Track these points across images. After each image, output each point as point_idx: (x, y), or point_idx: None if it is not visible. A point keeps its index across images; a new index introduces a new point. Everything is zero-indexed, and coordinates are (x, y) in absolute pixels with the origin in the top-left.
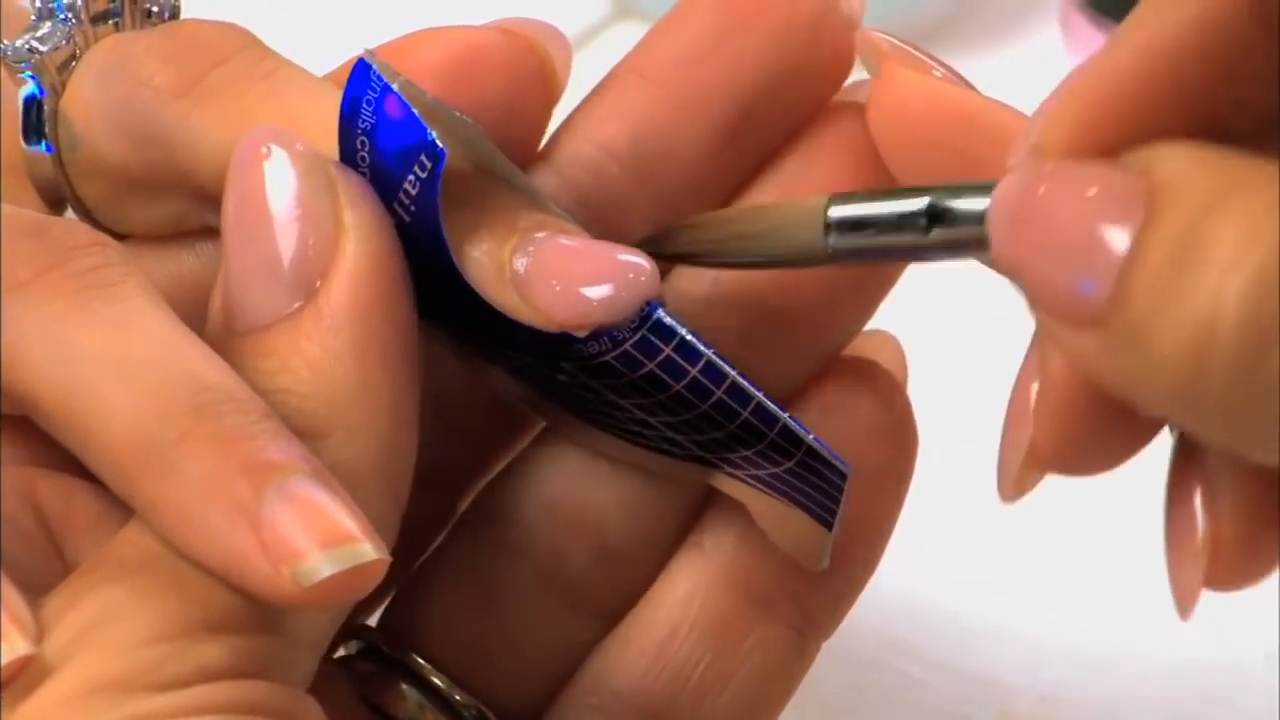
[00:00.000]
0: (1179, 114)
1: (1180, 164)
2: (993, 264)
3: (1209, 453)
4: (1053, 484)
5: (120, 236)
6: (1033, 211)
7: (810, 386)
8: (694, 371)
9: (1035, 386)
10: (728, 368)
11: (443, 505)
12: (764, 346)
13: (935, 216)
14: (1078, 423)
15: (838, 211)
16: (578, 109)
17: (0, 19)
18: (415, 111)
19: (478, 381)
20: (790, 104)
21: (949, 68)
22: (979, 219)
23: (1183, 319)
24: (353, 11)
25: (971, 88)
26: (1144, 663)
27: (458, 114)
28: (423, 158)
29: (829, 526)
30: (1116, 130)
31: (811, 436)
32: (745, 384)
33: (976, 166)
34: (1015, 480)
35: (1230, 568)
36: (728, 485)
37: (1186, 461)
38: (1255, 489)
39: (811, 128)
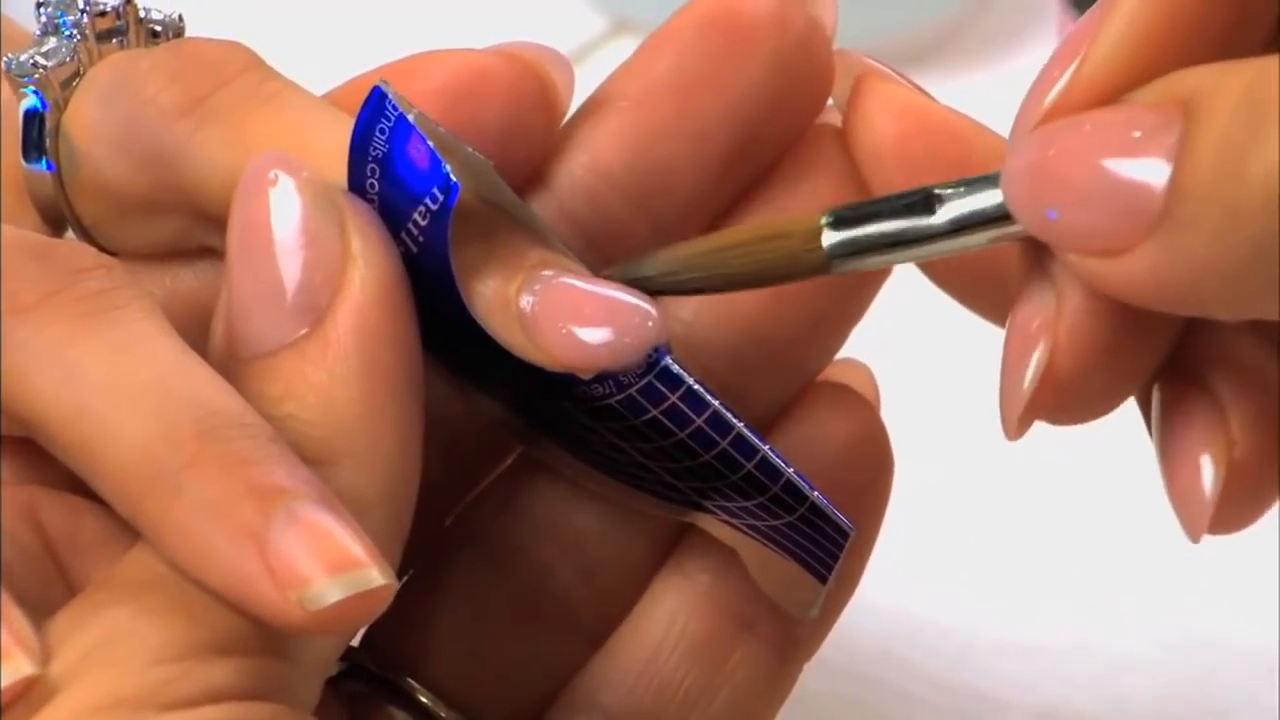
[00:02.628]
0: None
1: (1203, 73)
2: (1009, 227)
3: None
4: (1051, 501)
5: (115, 254)
6: (1058, 158)
7: (787, 410)
8: (699, 421)
9: (1037, 321)
10: (734, 419)
11: (428, 524)
12: (749, 366)
13: (938, 199)
14: (1098, 339)
15: (837, 212)
16: (571, 134)
17: (0, 37)
18: (431, 144)
19: (464, 402)
20: (783, 124)
21: (925, 91)
22: (992, 185)
23: (1257, 174)
24: (353, 32)
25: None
26: (1142, 677)
27: (469, 149)
28: (435, 190)
29: (824, 580)
30: (1143, 74)
31: (816, 494)
32: (751, 436)
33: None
34: (1020, 416)
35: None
36: (722, 532)
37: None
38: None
39: (796, 151)
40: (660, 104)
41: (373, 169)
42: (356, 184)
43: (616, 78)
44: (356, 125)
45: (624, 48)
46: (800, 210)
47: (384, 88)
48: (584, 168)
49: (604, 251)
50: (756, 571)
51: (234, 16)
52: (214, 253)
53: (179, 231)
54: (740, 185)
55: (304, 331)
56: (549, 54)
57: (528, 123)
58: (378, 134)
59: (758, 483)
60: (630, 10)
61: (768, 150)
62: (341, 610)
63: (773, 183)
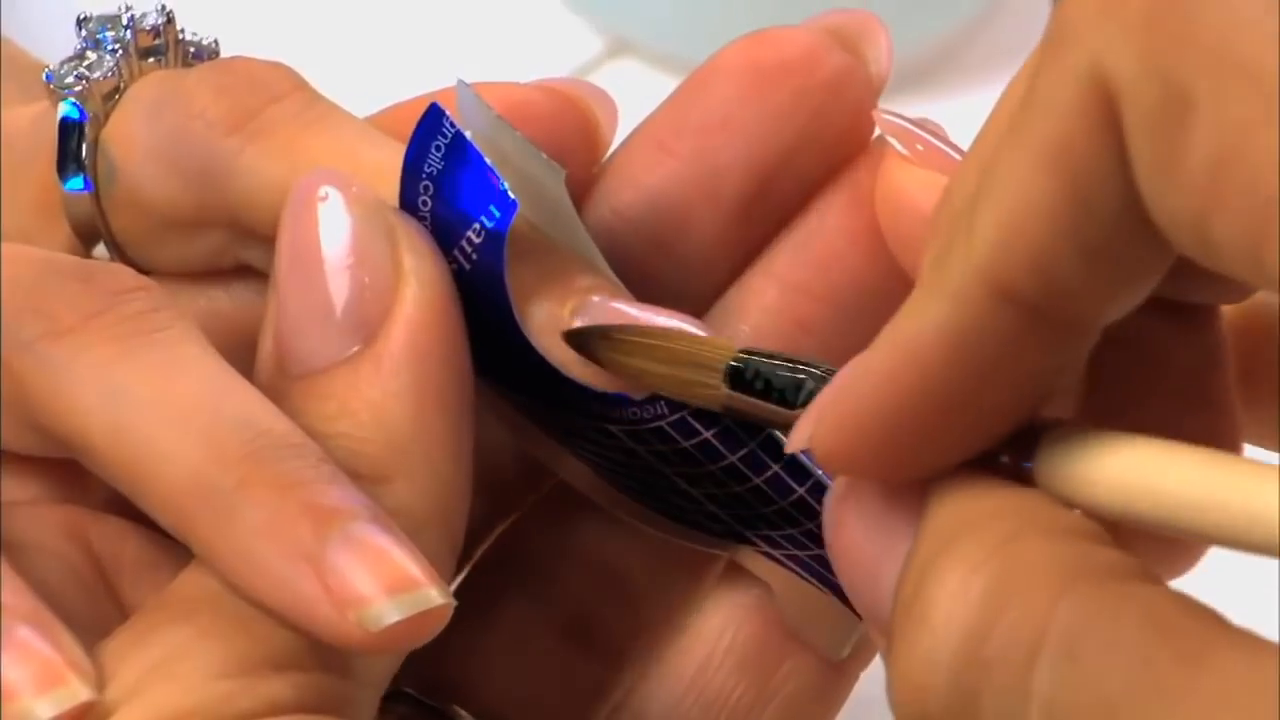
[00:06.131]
0: (938, 418)
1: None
2: None
3: None
4: None
5: (148, 273)
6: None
7: None
8: (752, 444)
9: None
10: None
11: (465, 551)
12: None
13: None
14: None
15: (739, 361)
16: (600, 175)
17: (0, 64)
18: (489, 161)
19: (499, 432)
20: (809, 168)
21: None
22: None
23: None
24: (354, 58)
25: None
26: None
27: (544, 156)
28: (491, 207)
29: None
30: (881, 437)
31: None
32: (804, 460)
33: None
34: None
35: None
36: (758, 565)
37: None
38: None
39: (832, 190)
40: (681, 147)
41: (426, 186)
42: (409, 201)
43: (649, 118)
44: (411, 142)
45: (622, 69)
46: (815, 256)
47: (440, 105)
48: (608, 208)
49: (629, 290)
50: (788, 607)
51: (257, 44)
52: (249, 272)
53: (216, 248)
54: (765, 226)
55: (356, 348)
56: (591, 89)
57: (568, 155)
58: (433, 151)
59: (808, 508)
60: (628, 31)
61: (792, 190)
62: (401, 630)
63: (797, 226)
